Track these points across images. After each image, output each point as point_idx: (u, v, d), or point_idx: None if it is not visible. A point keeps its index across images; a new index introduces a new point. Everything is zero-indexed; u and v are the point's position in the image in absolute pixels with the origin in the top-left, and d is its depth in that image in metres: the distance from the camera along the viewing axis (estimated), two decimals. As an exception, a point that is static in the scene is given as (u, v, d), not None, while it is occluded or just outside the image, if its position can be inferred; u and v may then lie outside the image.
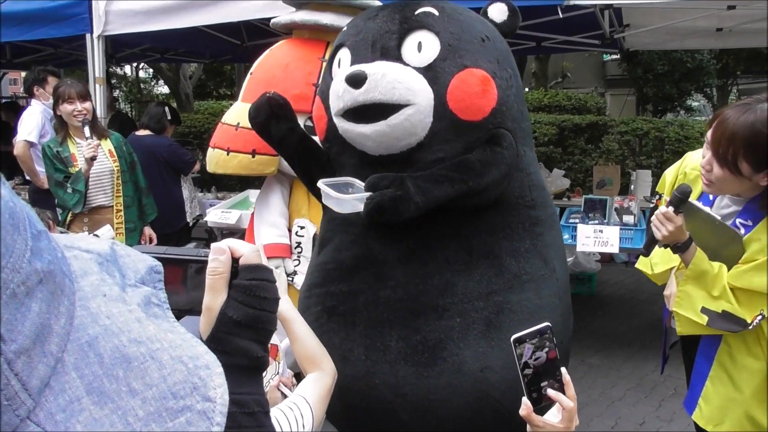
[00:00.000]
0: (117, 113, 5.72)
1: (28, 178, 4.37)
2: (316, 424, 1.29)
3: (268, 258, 2.63)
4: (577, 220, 3.97)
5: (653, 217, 1.72)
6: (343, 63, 1.76)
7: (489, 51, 1.72)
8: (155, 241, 3.65)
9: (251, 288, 0.69)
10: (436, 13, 1.70)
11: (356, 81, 1.59)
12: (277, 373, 1.72)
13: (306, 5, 2.71)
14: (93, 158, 3.24)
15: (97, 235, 2.48)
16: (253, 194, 4.27)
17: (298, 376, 1.88)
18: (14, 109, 6.62)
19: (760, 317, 1.63)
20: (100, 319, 0.43)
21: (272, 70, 2.67)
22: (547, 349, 1.17)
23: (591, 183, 5.51)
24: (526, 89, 10.66)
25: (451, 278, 1.68)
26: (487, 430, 1.75)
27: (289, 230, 2.69)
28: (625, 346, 4.10)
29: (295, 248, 2.66)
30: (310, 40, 2.71)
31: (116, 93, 8.26)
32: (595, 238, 3.68)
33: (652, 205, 1.82)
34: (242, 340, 0.69)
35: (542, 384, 1.16)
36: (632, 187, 5.21)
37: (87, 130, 3.29)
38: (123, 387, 0.41)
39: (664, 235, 1.69)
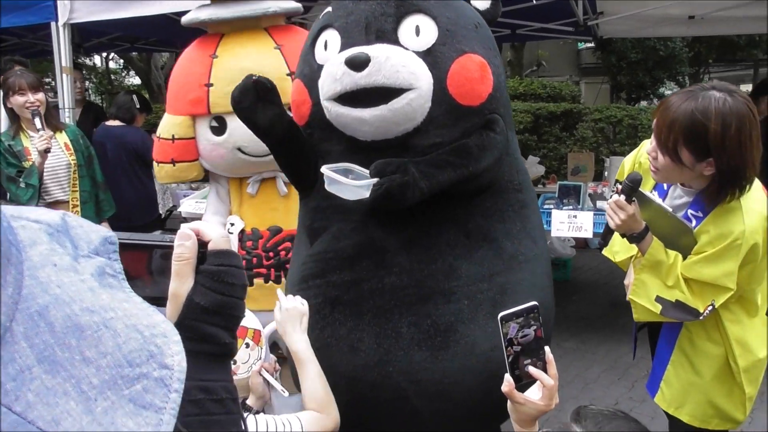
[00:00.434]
0: (90, 104, 5.58)
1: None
2: None
3: None
4: (552, 206, 3.99)
5: (607, 208, 1.71)
6: (332, 45, 1.70)
7: (482, 37, 1.74)
8: None
9: (219, 273, 0.68)
10: None
11: (358, 64, 1.54)
12: (260, 358, 1.70)
13: None
14: (47, 150, 3.10)
15: None
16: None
17: (283, 363, 1.87)
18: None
19: (711, 307, 1.64)
20: (50, 288, 0.41)
21: (175, 77, 2.62)
22: (534, 328, 1.17)
23: (566, 170, 5.56)
24: (502, 78, 10.67)
25: (453, 262, 1.70)
26: (495, 408, 1.77)
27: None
28: (600, 329, 4.15)
29: None
30: (205, 37, 2.59)
31: (86, 84, 8.10)
32: (569, 224, 3.71)
33: (611, 194, 1.80)
34: (210, 326, 0.68)
35: (525, 362, 1.17)
36: (606, 173, 5.26)
37: (38, 122, 3.13)
38: (76, 356, 0.40)
39: (617, 224, 1.67)
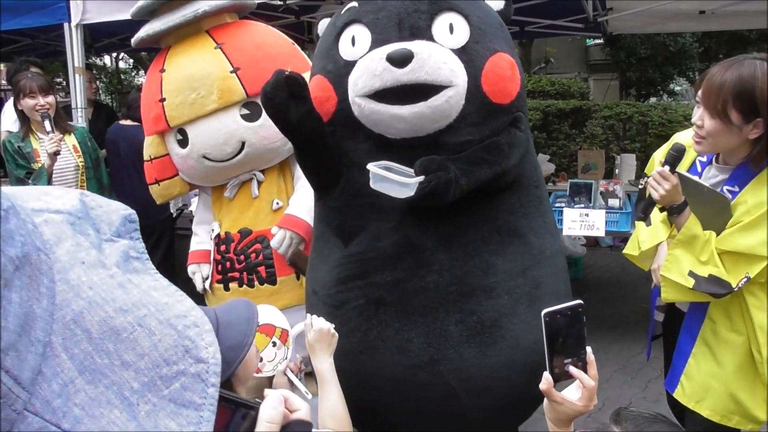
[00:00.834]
0: (102, 105, 5.61)
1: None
2: None
3: (188, 264, 2.61)
4: (563, 204, 3.98)
5: (650, 178, 1.77)
6: (361, 41, 1.68)
7: (506, 37, 1.77)
8: None
9: None
10: None
11: (401, 60, 1.53)
12: (286, 358, 1.71)
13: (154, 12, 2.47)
14: (56, 153, 3.12)
15: None
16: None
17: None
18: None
19: (745, 279, 1.66)
20: (82, 292, 0.41)
21: (141, 98, 2.62)
22: (578, 327, 1.14)
23: (575, 167, 5.54)
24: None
25: (489, 258, 1.71)
26: (532, 403, 1.80)
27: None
28: (611, 329, 4.13)
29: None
30: (159, 53, 2.54)
31: (97, 84, 8.15)
32: (581, 222, 3.70)
33: (640, 186, 1.88)
34: None
35: (566, 361, 1.14)
36: (617, 171, 5.24)
37: (48, 124, 3.15)
38: (115, 361, 0.40)
39: (662, 194, 1.73)
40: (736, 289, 1.66)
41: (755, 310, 1.70)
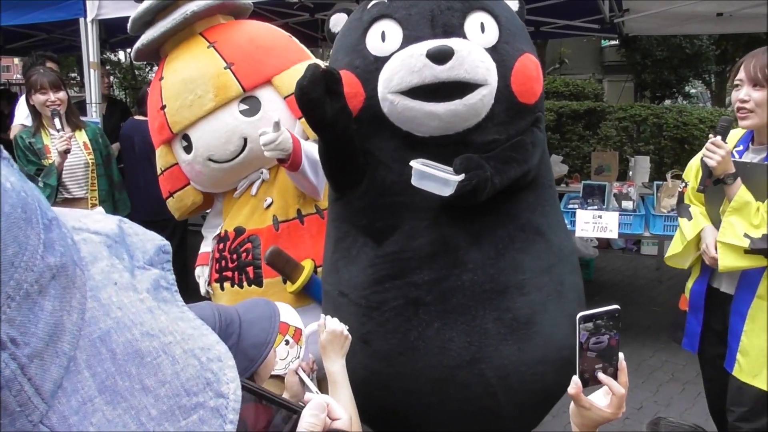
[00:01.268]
0: (116, 101, 5.63)
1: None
2: None
3: (195, 267, 2.58)
4: (576, 206, 3.95)
5: (704, 150, 1.94)
6: (391, 37, 1.66)
7: (528, 37, 1.80)
8: None
9: None
10: None
11: (442, 57, 1.53)
12: (298, 357, 1.71)
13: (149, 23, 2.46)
14: (66, 151, 3.12)
15: None
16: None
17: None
18: (8, 96, 6.52)
19: None
20: (111, 311, 0.41)
21: (148, 113, 2.60)
22: (613, 332, 1.12)
23: (589, 169, 5.50)
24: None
25: (517, 256, 1.73)
26: (555, 400, 1.83)
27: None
28: (623, 331, 4.09)
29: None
30: (159, 64, 2.52)
31: (111, 79, 8.19)
32: (594, 224, 3.67)
33: (680, 189, 2.17)
34: None
35: (596, 366, 1.11)
36: (630, 173, 5.20)
37: (57, 122, 3.14)
38: (136, 384, 0.39)
39: (718, 161, 1.88)
40: None
41: None
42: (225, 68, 2.28)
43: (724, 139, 1.92)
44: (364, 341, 1.76)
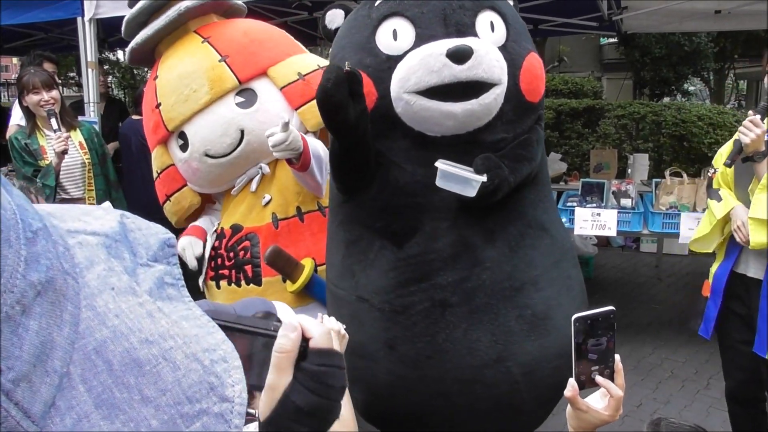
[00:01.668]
0: (114, 100, 5.62)
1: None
2: None
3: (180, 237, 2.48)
4: (575, 204, 3.95)
5: (741, 127, 2.05)
6: (403, 35, 1.63)
7: (530, 36, 1.81)
8: None
9: (320, 374, 0.64)
10: None
11: (462, 56, 1.52)
12: None
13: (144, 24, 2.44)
14: (64, 152, 3.09)
15: None
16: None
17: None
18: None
19: None
20: (108, 320, 0.39)
21: (143, 114, 2.57)
22: (610, 334, 1.11)
23: (588, 167, 5.50)
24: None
25: (528, 252, 1.73)
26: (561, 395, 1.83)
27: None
28: (622, 329, 4.08)
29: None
30: (154, 65, 2.51)
31: (109, 79, 8.18)
32: (592, 222, 3.66)
33: (710, 174, 2.28)
34: (302, 427, 0.64)
35: (593, 368, 1.11)
36: (629, 170, 5.20)
37: (54, 122, 3.10)
38: (135, 395, 0.38)
39: (752, 138, 2.00)
40: None
41: None
42: (220, 61, 2.26)
43: (762, 119, 2.01)
44: (389, 347, 1.72)
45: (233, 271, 2.34)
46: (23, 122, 3.97)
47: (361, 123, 1.59)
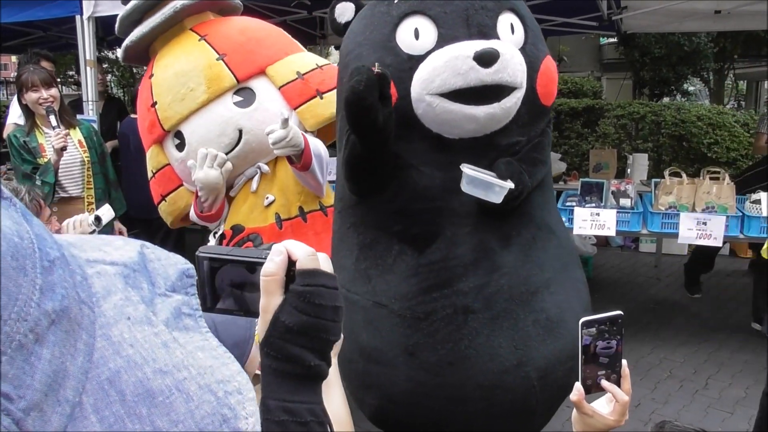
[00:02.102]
0: (113, 99, 5.61)
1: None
2: None
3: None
4: (574, 204, 3.95)
5: None
6: (425, 35, 1.59)
7: (544, 39, 1.80)
8: (125, 235, 3.52)
9: (305, 294, 0.66)
10: None
11: (489, 60, 1.51)
12: None
13: (138, 22, 2.42)
14: (63, 149, 3.09)
15: (99, 218, 2.37)
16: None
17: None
18: None
19: None
20: (122, 349, 0.39)
21: (138, 113, 2.55)
22: (618, 338, 1.11)
23: (587, 167, 5.50)
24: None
25: (540, 255, 1.73)
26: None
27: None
28: (621, 329, 4.11)
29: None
30: (149, 63, 2.49)
31: (108, 77, 8.15)
32: (592, 221, 3.66)
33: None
34: (294, 347, 0.66)
35: (599, 373, 1.11)
36: (629, 170, 5.20)
37: (53, 119, 3.10)
38: (147, 426, 0.37)
39: None
40: None
41: None
42: (217, 59, 2.24)
43: None
44: (409, 353, 1.69)
45: None
46: (21, 120, 3.97)
47: (388, 125, 1.55)
